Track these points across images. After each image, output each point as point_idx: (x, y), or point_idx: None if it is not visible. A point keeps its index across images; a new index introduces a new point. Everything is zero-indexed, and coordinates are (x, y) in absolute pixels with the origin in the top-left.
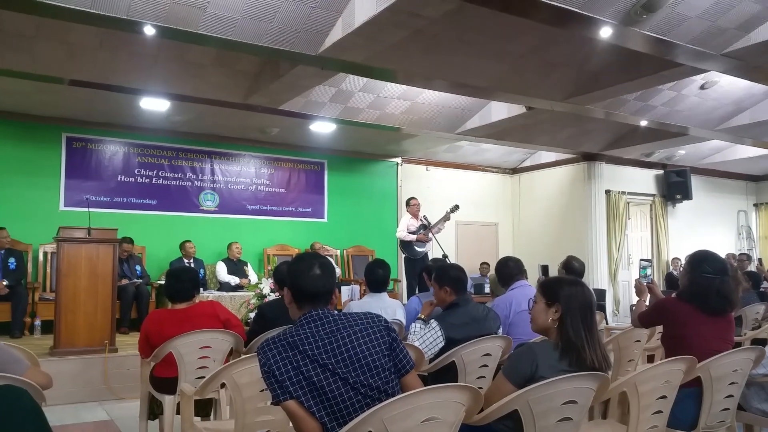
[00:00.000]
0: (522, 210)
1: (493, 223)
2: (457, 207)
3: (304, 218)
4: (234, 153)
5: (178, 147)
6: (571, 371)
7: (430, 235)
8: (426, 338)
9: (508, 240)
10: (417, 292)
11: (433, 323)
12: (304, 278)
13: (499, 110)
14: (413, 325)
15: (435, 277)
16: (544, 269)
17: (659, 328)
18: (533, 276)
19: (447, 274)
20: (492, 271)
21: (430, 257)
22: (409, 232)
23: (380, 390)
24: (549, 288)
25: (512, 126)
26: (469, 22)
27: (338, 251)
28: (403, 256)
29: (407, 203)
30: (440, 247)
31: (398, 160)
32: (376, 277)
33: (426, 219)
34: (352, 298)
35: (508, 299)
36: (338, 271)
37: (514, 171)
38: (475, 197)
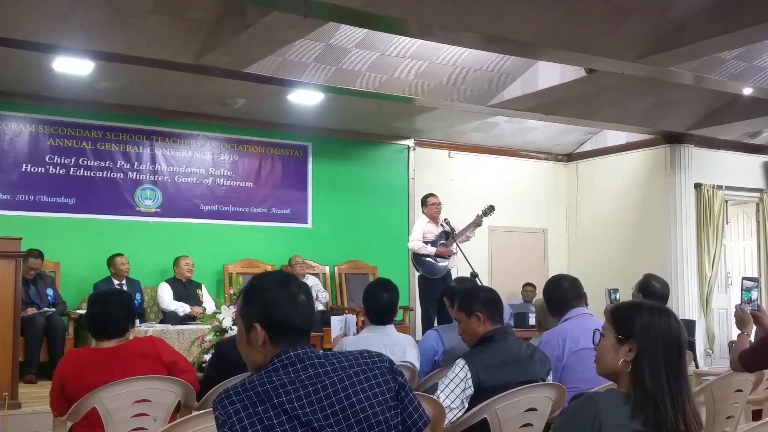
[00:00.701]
0: (580, 211)
1: (540, 230)
2: (491, 208)
3: (281, 223)
4: (183, 134)
5: (106, 125)
6: None
7: (455, 246)
8: (449, 385)
9: (560, 253)
10: (436, 323)
11: (460, 364)
12: (287, 307)
13: (549, 74)
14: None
15: (461, 303)
16: (613, 293)
17: None
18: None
19: (477, 297)
20: (539, 296)
21: (454, 276)
22: (426, 242)
23: None
24: (621, 317)
25: (567, 96)
26: None
27: (327, 268)
28: (417, 274)
29: (423, 202)
30: (468, 262)
31: (410, 142)
32: (380, 304)
33: (448, 224)
34: (347, 333)
35: (561, 333)
36: (326, 295)
37: (570, 158)
38: (515, 194)
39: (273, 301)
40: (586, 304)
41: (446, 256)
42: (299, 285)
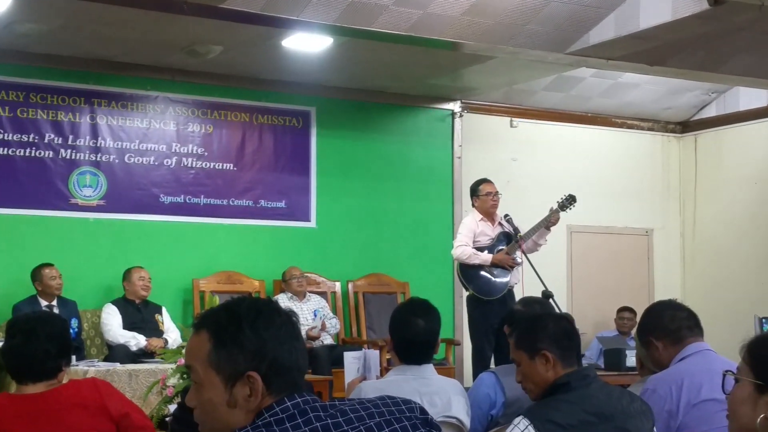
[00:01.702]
0: (701, 205)
1: (642, 231)
2: (571, 199)
3: (272, 221)
4: (136, 96)
5: (28, 84)
6: None
7: (519, 253)
8: None
9: (672, 264)
10: (493, 364)
11: (521, 425)
12: (290, 343)
13: (656, 7)
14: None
15: (520, 337)
16: (766, 323)
17: None
18: (724, 334)
19: (543, 329)
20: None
21: (518, 297)
22: (478, 249)
23: None
24: (764, 355)
25: (680, 38)
26: None
27: (337, 285)
28: (466, 294)
29: (474, 191)
30: (538, 277)
31: (455, 106)
32: (414, 336)
33: (510, 222)
34: (367, 376)
35: (674, 379)
36: (337, 324)
37: (685, 128)
38: (606, 180)
39: (275, 337)
40: (701, 337)
41: (507, 267)
42: (288, 312)
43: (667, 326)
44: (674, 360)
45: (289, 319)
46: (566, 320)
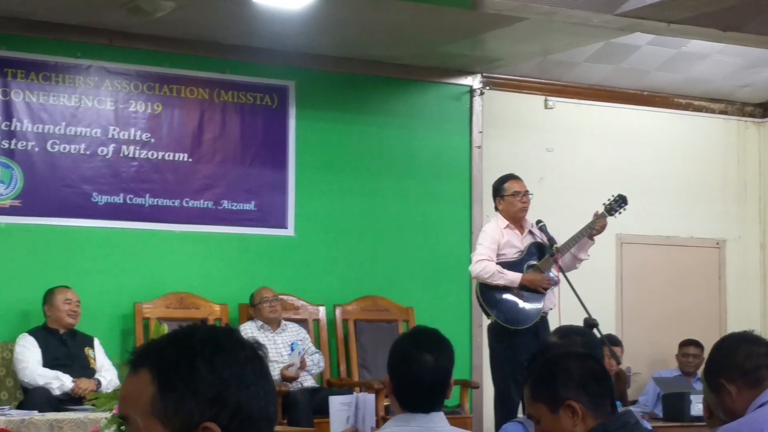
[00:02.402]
0: None
1: (712, 242)
2: (621, 201)
3: (238, 228)
4: (62, 65)
5: None
6: None
7: (554, 270)
8: None
9: (750, 283)
10: (521, 412)
11: None
12: (251, 389)
13: None
14: None
15: (536, 385)
16: None
17: None
18: None
19: (566, 372)
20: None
21: (554, 326)
22: (502, 264)
23: None
24: None
25: None
26: None
27: (322, 311)
28: (488, 322)
29: (497, 191)
30: (579, 300)
31: (474, 81)
32: (420, 376)
33: (544, 230)
34: (360, 427)
35: (750, 429)
36: (321, 360)
37: (766, 110)
38: (666, 177)
39: (238, 377)
40: None
41: (540, 289)
42: (254, 344)
43: (743, 365)
44: (751, 407)
45: (256, 353)
46: (592, 359)
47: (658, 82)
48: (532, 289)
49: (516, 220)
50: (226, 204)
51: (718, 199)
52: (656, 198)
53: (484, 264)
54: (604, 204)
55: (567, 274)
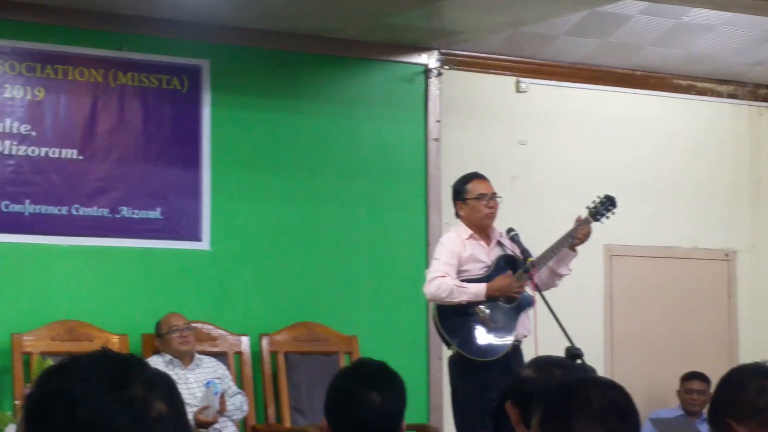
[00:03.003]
0: None
1: (720, 253)
2: (610, 203)
3: (141, 240)
4: None
5: None
6: None
7: (528, 290)
8: None
9: (766, 302)
10: None
11: None
12: None
13: None
14: None
15: (549, 414)
16: None
17: None
18: None
19: (584, 403)
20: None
21: (528, 357)
22: (465, 281)
23: None
24: None
25: None
26: None
27: (245, 341)
28: (449, 354)
29: (458, 192)
30: (560, 326)
31: (430, 59)
32: (364, 419)
33: (516, 240)
34: None
35: None
36: (245, 401)
37: None
38: (664, 174)
39: (95, 423)
40: None
41: (512, 294)
42: (151, 383)
43: (754, 403)
44: None
45: (134, 394)
46: (617, 389)
47: (653, 59)
48: (504, 299)
49: (481, 228)
50: (125, 211)
51: (726, 202)
52: (652, 201)
53: (439, 281)
54: (588, 207)
55: (544, 293)
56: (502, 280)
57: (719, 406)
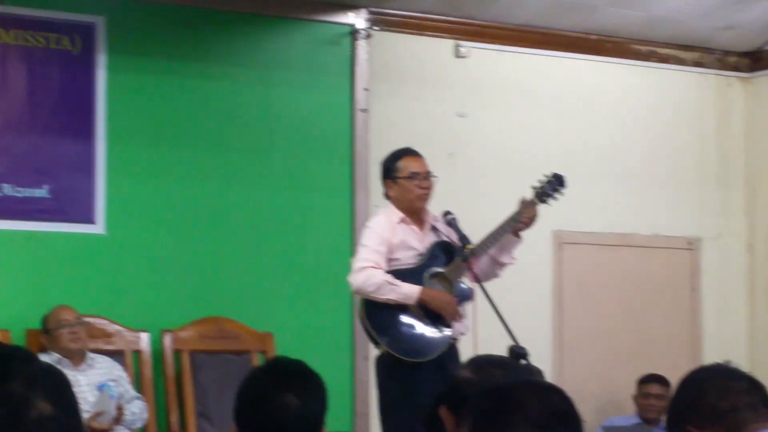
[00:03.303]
0: None
1: (683, 242)
2: (558, 183)
3: (25, 222)
4: None
5: None
6: None
7: (466, 281)
8: None
9: (733, 296)
10: None
11: None
12: None
13: None
14: None
15: (481, 420)
16: None
17: None
18: None
19: (520, 408)
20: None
21: (466, 356)
22: (396, 273)
23: None
24: None
25: None
26: None
27: (144, 338)
28: (377, 354)
29: (388, 170)
30: (502, 322)
31: (356, 18)
32: (280, 425)
33: (454, 225)
34: None
35: None
36: (144, 407)
37: (756, 62)
38: (620, 152)
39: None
40: None
41: (445, 315)
42: (35, 379)
43: (716, 407)
44: None
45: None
46: (558, 392)
47: (609, 22)
48: (433, 312)
49: (413, 211)
50: (7, 189)
51: (691, 184)
52: (607, 182)
53: (368, 272)
54: (533, 187)
55: (485, 285)
56: (442, 297)
57: (678, 412)
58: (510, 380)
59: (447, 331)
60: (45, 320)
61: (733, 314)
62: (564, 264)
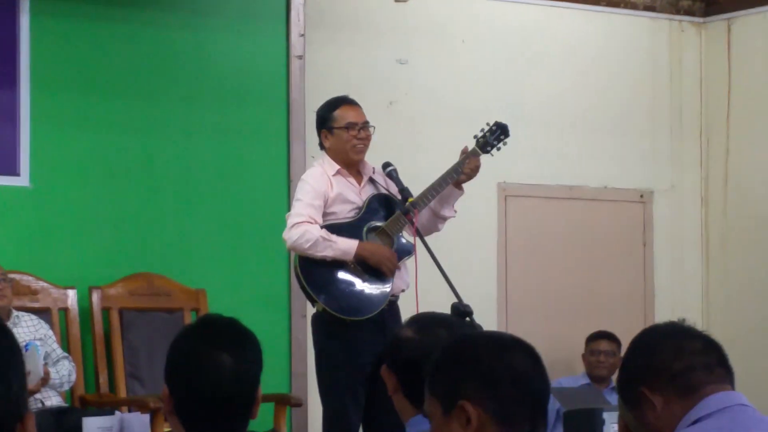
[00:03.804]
0: (738, 145)
1: (634, 194)
2: (501, 132)
3: None
4: None
5: None
6: None
7: (406, 236)
8: None
9: (686, 250)
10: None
11: None
12: None
13: None
14: None
15: (439, 371)
16: None
17: None
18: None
19: (475, 361)
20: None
21: (407, 315)
22: (332, 227)
23: None
24: None
25: None
26: None
27: (71, 294)
28: (313, 312)
29: (323, 119)
30: (445, 278)
31: None
32: (212, 385)
33: (393, 176)
34: None
35: None
36: (71, 368)
37: (711, 5)
38: (567, 100)
39: None
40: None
41: (384, 270)
42: None
43: (670, 367)
44: (682, 424)
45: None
46: (524, 352)
47: None
48: (372, 267)
49: (351, 163)
50: None
51: (642, 134)
52: (554, 132)
53: (303, 228)
54: (475, 136)
55: (426, 239)
56: (381, 251)
57: (630, 372)
58: (462, 339)
59: (386, 288)
60: None
61: (687, 270)
62: (508, 218)
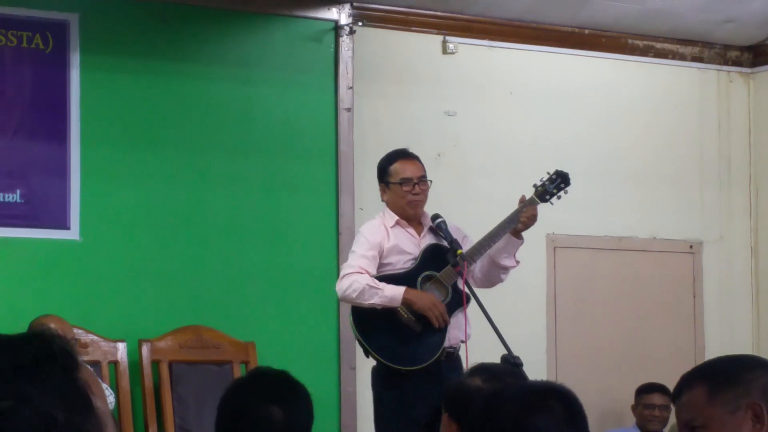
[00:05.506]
0: None
1: (684, 245)
2: (562, 181)
3: None
4: None
5: None
6: None
7: (459, 285)
8: None
9: (739, 301)
10: None
11: None
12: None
13: None
14: None
15: (475, 422)
16: None
17: None
18: None
19: (529, 415)
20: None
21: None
22: (388, 277)
23: None
24: None
25: None
26: None
27: (122, 348)
28: (374, 364)
29: (382, 173)
30: (495, 330)
31: (340, 13)
32: None
33: (441, 227)
34: None
35: None
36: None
37: (758, 56)
38: (616, 151)
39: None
40: None
41: (430, 316)
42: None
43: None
44: None
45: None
46: (568, 397)
47: (604, 15)
48: (417, 315)
49: (408, 217)
50: None
51: (691, 184)
52: (603, 183)
53: (352, 278)
54: (534, 185)
55: (480, 290)
56: (427, 298)
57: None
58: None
59: (440, 337)
60: (30, 330)
61: (737, 320)
62: (558, 269)
